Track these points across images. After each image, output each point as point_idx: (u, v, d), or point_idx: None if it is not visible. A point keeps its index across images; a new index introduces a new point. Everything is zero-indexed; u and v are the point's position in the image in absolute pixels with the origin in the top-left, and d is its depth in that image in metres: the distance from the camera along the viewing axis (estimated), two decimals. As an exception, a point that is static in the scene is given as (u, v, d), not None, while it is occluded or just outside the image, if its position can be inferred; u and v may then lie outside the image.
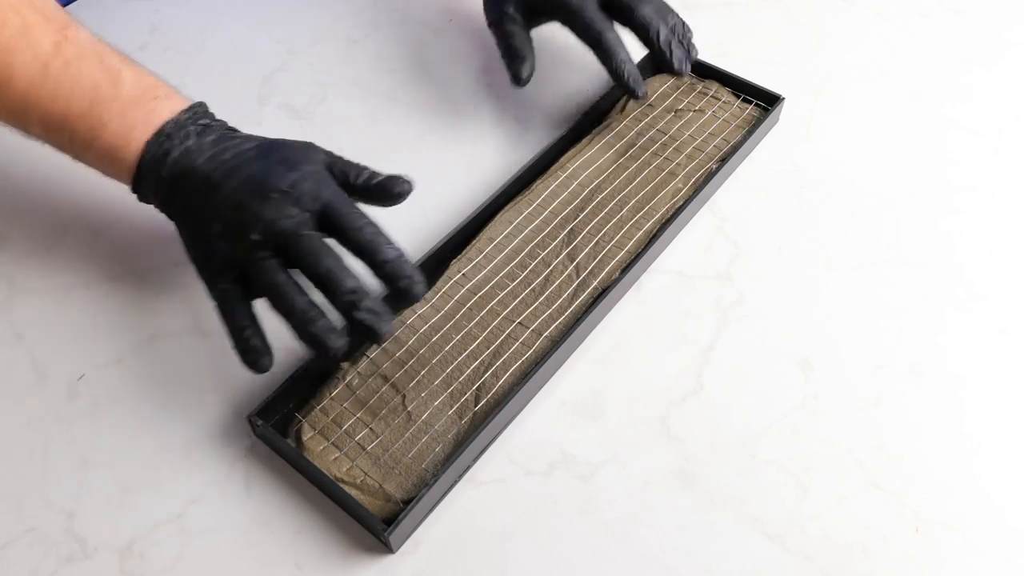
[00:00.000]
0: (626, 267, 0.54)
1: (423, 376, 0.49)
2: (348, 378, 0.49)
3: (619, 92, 0.64)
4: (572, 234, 0.56)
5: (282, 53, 0.70)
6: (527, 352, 0.50)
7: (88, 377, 0.50)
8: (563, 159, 0.60)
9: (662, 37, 0.59)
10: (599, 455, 0.48)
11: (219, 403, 0.49)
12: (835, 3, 0.76)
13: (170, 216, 0.50)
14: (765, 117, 0.62)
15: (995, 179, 0.62)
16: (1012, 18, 0.75)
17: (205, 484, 0.46)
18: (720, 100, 0.64)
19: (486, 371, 0.49)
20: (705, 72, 0.66)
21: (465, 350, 0.50)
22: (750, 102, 0.64)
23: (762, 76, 0.65)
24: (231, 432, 0.48)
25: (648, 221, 0.57)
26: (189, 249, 0.49)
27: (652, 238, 0.55)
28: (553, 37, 0.71)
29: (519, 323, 0.52)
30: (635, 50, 0.64)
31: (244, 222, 0.45)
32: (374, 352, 0.50)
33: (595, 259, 0.55)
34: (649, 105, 0.64)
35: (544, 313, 0.52)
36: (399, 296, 0.45)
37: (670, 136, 0.62)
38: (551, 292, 0.53)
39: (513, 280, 0.54)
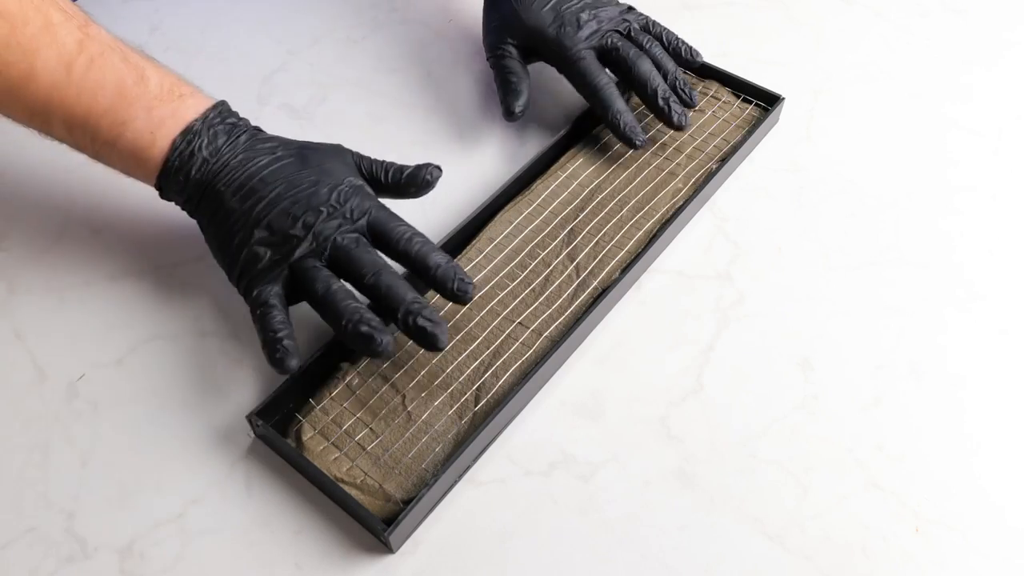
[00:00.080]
0: (626, 267, 0.54)
1: (423, 376, 0.49)
2: (348, 378, 0.49)
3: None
4: (572, 234, 0.56)
5: (282, 53, 0.70)
6: (527, 352, 0.50)
7: (88, 377, 0.50)
8: (563, 159, 0.60)
9: (660, 94, 0.59)
10: (599, 455, 0.48)
11: (219, 403, 0.49)
12: (835, 3, 0.76)
13: (194, 215, 0.50)
14: (765, 117, 0.62)
15: (995, 179, 0.62)
16: (1012, 18, 0.75)
17: (205, 484, 0.46)
18: (720, 100, 0.64)
19: (486, 371, 0.49)
20: (705, 72, 0.66)
21: (465, 350, 0.50)
22: (750, 102, 0.64)
23: (762, 76, 0.65)
24: (231, 432, 0.48)
25: (648, 221, 0.57)
26: (218, 250, 0.49)
27: (652, 238, 0.55)
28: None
29: (519, 323, 0.52)
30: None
31: (296, 233, 0.46)
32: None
33: (595, 259, 0.55)
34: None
35: (544, 313, 0.52)
36: (452, 298, 0.48)
37: (670, 136, 0.62)
38: (551, 292, 0.53)
39: (513, 280, 0.54)
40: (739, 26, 0.73)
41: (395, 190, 0.51)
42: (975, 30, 0.74)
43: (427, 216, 0.58)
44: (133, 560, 0.44)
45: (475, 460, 0.47)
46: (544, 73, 0.65)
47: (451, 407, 0.48)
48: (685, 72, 0.66)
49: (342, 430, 0.47)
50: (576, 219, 0.57)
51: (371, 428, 0.47)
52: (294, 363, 0.45)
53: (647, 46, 0.61)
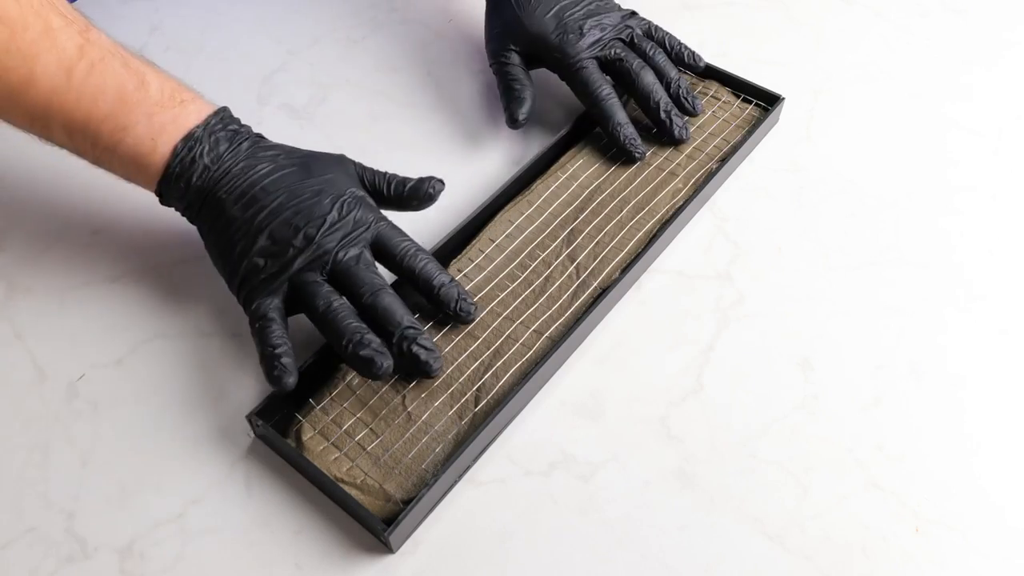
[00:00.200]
0: (626, 267, 0.54)
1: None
2: (348, 378, 0.49)
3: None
4: (572, 234, 0.56)
5: (282, 53, 0.70)
6: (527, 352, 0.50)
7: (88, 377, 0.50)
8: (563, 159, 0.60)
9: (662, 107, 0.59)
10: (599, 455, 0.48)
11: (219, 403, 0.49)
12: (835, 3, 0.76)
13: (194, 222, 0.50)
14: (765, 117, 0.62)
15: (995, 179, 0.62)
16: (1012, 18, 0.75)
17: (205, 484, 0.46)
18: (720, 100, 0.64)
19: (486, 371, 0.49)
20: (705, 72, 0.66)
21: (465, 350, 0.50)
22: (750, 102, 0.64)
23: (762, 76, 0.65)
24: (231, 432, 0.48)
25: (648, 221, 0.57)
26: (218, 258, 0.49)
27: (652, 238, 0.55)
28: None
29: (520, 323, 0.52)
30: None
31: (297, 244, 0.46)
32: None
33: (595, 259, 0.55)
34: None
35: (545, 313, 0.52)
36: (454, 318, 0.49)
37: (670, 136, 0.62)
38: (552, 292, 0.53)
39: (513, 280, 0.54)
40: (739, 26, 0.73)
41: (397, 203, 0.51)
42: (975, 30, 0.74)
43: (427, 216, 0.58)
44: (133, 560, 0.44)
45: (475, 460, 0.47)
46: (546, 73, 0.65)
47: (451, 407, 0.48)
48: (684, 72, 0.66)
49: (342, 430, 0.47)
50: (576, 219, 0.57)
51: (371, 428, 0.47)
52: (291, 381, 0.45)
53: (650, 53, 0.61)
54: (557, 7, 0.61)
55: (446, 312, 0.49)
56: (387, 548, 0.44)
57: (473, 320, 0.49)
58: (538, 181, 0.59)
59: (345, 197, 0.48)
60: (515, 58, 0.62)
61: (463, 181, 0.60)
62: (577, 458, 0.48)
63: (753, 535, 0.45)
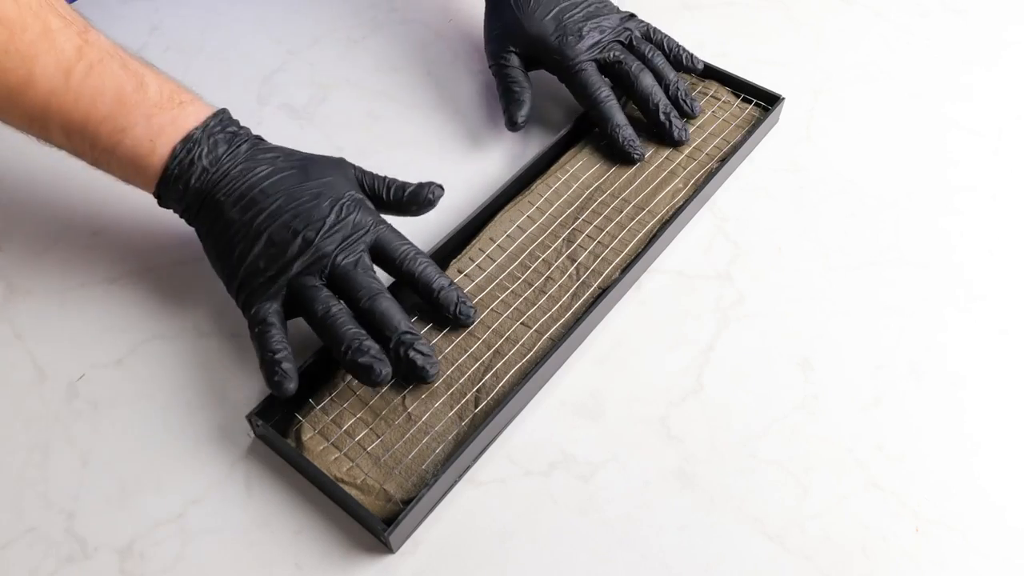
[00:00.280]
0: (626, 267, 0.54)
1: (423, 376, 0.49)
2: (348, 378, 0.49)
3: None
4: (573, 234, 0.56)
5: (282, 53, 0.70)
6: (528, 352, 0.50)
7: (88, 377, 0.50)
8: (563, 159, 0.60)
9: (661, 110, 0.59)
10: (599, 455, 0.48)
11: (219, 403, 0.49)
12: (835, 3, 0.76)
13: (192, 224, 0.50)
14: (765, 117, 0.62)
15: (995, 179, 0.62)
16: (1012, 18, 0.75)
17: (205, 484, 0.46)
18: (720, 100, 0.64)
19: (487, 372, 0.49)
20: (705, 72, 0.66)
21: (466, 351, 0.50)
22: (750, 102, 0.64)
23: (762, 76, 0.65)
24: (231, 432, 0.48)
25: (649, 221, 0.57)
26: (216, 261, 0.49)
27: (652, 238, 0.55)
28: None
29: (520, 323, 0.52)
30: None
31: (296, 248, 0.46)
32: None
33: (596, 259, 0.55)
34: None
35: (545, 313, 0.52)
36: (454, 322, 0.49)
37: (670, 136, 0.62)
38: (552, 292, 0.53)
39: (514, 280, 0.54)
40: (739, 26, 0.73)
41: (396, 207, 0.51)
42: (975, 30, 0.74)
43: (428, 216, 0.58)
44: (133, 560, 0.44)
45: (475, 460, 0.47)
46: (545, 74, 0.65)
47: (452, 408, 0.48)
48: (684, 72, 0.66)
49: (342, 430, 0.47)
50: (577, 219, 0.57)
51: (371, 428, 0.47)
52: (292, 386, 0.45)
53: (648, 56, 0.61)
54: (556, 9, 0.61)
55: (445, 316, 0.49)
56: (387, 548, 0.44)
57: (472, 323, 0.50)
58: (538, 181, 0.59)
59: (344, 200, 0.48)
60: (514, 60, 0.62)
61: (463, 181, 0.60)
62: (577, 458, 0.48)
63: (753, 535, 0.45)
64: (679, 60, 0.63)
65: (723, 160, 0.60)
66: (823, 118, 0.66)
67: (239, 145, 0.49)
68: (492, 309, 0.52)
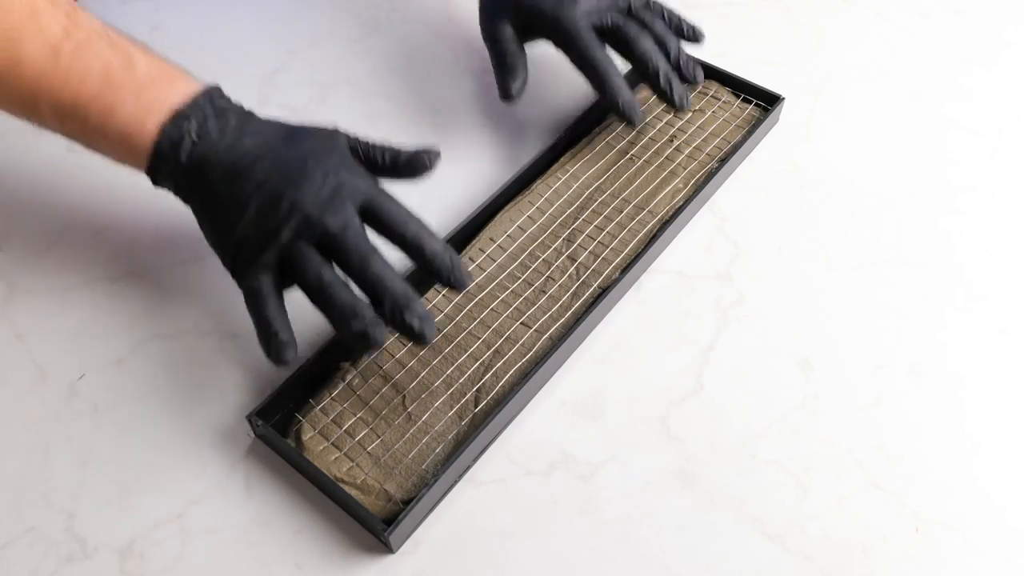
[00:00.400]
0: (626, 267, 0.54)
1: (424, 376, 0.49)
2: (349, 378, 0.49)
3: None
4: (573, 234, 0.56)
5: (282, 53, 0.70)
6: (528, 352, 0.50)
7: (88, 377, 0.50)
8: (563, 159, 0.60)
9: (662, 73, 0.58)
10: (599, 455, 0.48)
11: (219, 403, 0.49)
12: (835, 3, 0.76)
13: (187, 202, 0.49)
14: (765, 117, 0.62)
15: (995, 179, 0.62)
16: (1012, 18, 0.75)
17: (205, 484, 0.46)
18: (720, 100, 0.64)
19: (487, 371, 0.49)
20: (705, 72, 0.66)
21: (466, 350, 0.50)
22: (750, 102, 0.64)
23: (762, 76, 0.65)
24: (231, 432, 0.48)
25: (649, 221, 0.57)
26: (210, 236, 0.48)
27: (652, 238, 0.56)
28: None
29: (521, 323, 0.52)
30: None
31: (283, 213, 0.44)
32: (376, 352, 0.50)
33: (596, 259, 0.55)
34: (649, 105, 0.64)
35: (545, 313, 0.52)
36: (447, 286, 0.46)
37: (670, 136, 0.62)
38: (552, 292, 0.53)
39: (514, 280, 0.54)
40: (739, 26, 0.73)
41: (392, 172, 0.50)
42: (975, 30, 0.74)
43: (427, 216, 0.58)
44: (133, 560, 0.44)
45: (475, 460, 0.47)
46: (545, 73, 0.65)
47: (452, 407, 0.48)
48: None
49: (342, 430, 0.47)
50: (577, 219, 0.57)
51: (372, 428, 0.47)
52: (290, 354, 0.44)
53: (649, 22, 0.59)
54: None
55: (439, 280, 0.46)
56: (387, 548, 0.44)
57: (467, 287, 0.47)
58: (538, 181, 0.59)
59: (333, 164, 0.46)
60: (508, 31, 0.60)
61: (463, 181, 0.60)
62: (577, 458, 0.48)
63: (753, 535, 0.45)
64: (680, 30, 0.61)
65: (723, 160, 0.60)
66: (823, 118, 0.66)
67: (229, 119, 0.47)
68: (492, 309, 0.52)
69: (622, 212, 0.57)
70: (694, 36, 0.62)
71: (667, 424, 0.49)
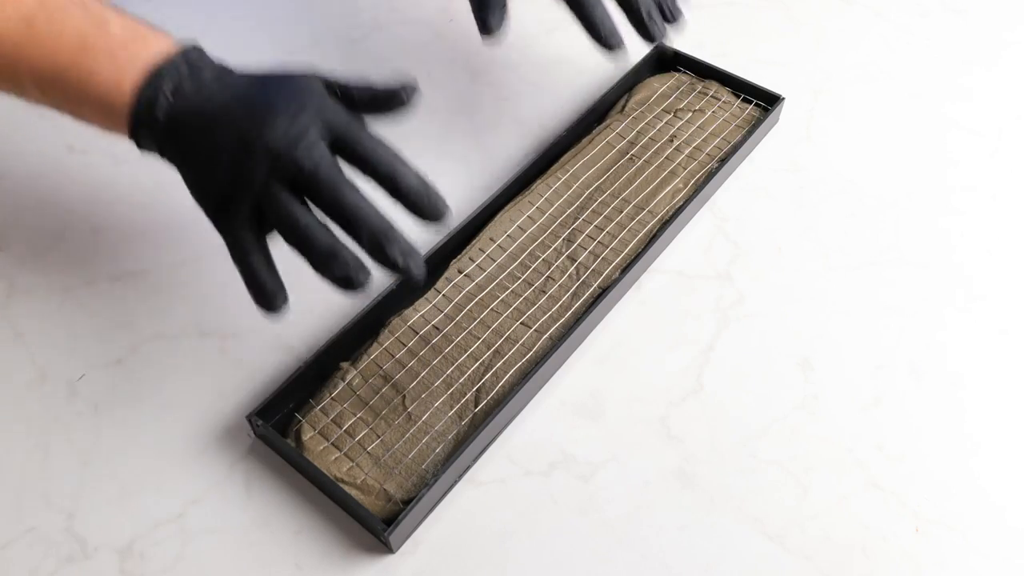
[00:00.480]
0: (626, 267, 0.54)
1: (424, 376, 0.49)
2: (349, 378, 0.49)
3: (619, 92, 0.64)
4: (573, 234, 0.56)
5: (282, 53, 0.70)
6: (528, 352, 0.50)
7: (88, 377, 0.50)
8: (563, 159, 0.60)
9: (643, 5, 0.55)
10: (599, 455, 0.48)
11: (219, 403, 0.49)
12: (835, 3, 0.76)
13: (172, 162, 0.47)
14: (765, 117, 0.62)
15: (995, 179, 0.62)
16: (1012, 18, 0.75)
17: (205, 484, 0.46)
18: (720, 100, 0.64)
19: (487, 371, 0.49)
20: (705, 72, 0.66)
21: (466, 350, 0.50)
22: (750, 102, 0.64)
23: (762, 76, 0.65)
24: (231, 432, 0.48)
25: (649, 221, 0.57)
26: (193, 190, 0.46)
27: (652, 238, 0.56)
28: (552, 38, 0.71)
29: (521, 323, 0.52)
30: (636, 51, 0.63)
31: (252, 153, 0.43)
32: (376, 352, 0.50)
33: (596, 259, 0.55)
34: (649, 105, 0.64)
35: (546, 313, 0.52)
36: (424, 219, 0.44)
37: (670, 136, 0.62)
38: (552, 292, 0.53)
39: (514, 280, 0.54)
40: (739, 26, 0.73)
41: (371, 108, 0.48)
42: (975, 30, 0.74)
43: (427, 216, 0.58)
44: (133, 560, 0.44)
45: (475, 460, 0.47)
46: (544, 73, 0.65)
47: (452, 407, 0.48)
48: (684, 72, 0.66)
49: (342, 430, 0.47)
50: (577, 219, 0.57)
51: (372, 428, 0.47)
52: (279, 302, 0.43)
53: None
54: None
55: (416, 215, 0.44)
56: (387, 548, 0.44)
57: (445, 223, 0.44)
58: (538, 181, 0.59)
59: (305, 102, 0.44)
60: None
61: (463, 181, 0.60)
62: (577, 458, 0.48)
63: (753, 535, 0.45)
64: None
65: (723, 160, 0.60)
66: (823, 118, 0.66)
67: (204, 75, 0.46)
68: (492, 309, 0.52)
69: (622, 212, 0.57)
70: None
71: (667, 424, 0.49)
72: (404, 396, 0.48)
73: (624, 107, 0.64)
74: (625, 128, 0.62)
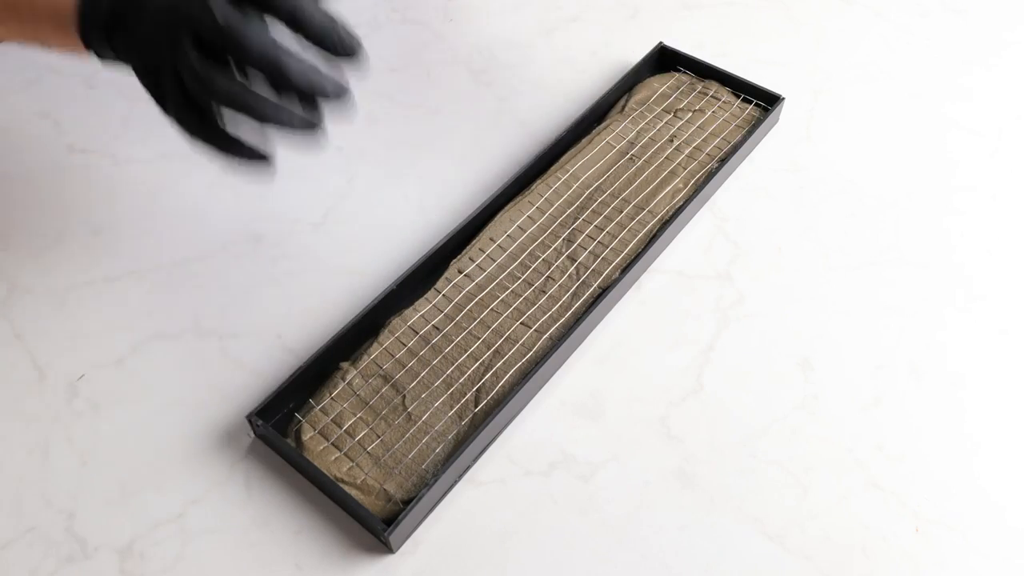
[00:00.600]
0: (626, 267, 0.54)
1: (424, 376, 0.49)
2: (349, 378, 0.49)
3: (619, 92, 0.65)
4: (573, 234, 0.56)
5: (282, 53, 0.70)
6: (528, 352, 0.50)
7: (88, 377, 0.50)
8: (563, 159, 0.60)
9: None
10: (599, 455, 0.48)
11: (219, 403, 0.49)
12: (835, 3, 0.76)
13: (123, 57, 0.46)
14: (765, 117, 0.62)
15: (995, 179, 0.62)
16: (1012, 18, 0.75)
17: (205, 484, 0.46)
18: (720, 100, 0.64)
19: (487, 371, 0.49)
20: (705, 72, 0.66)
21: (466, 350, 0.50)
22: (750, 102, 0.64)
23: (762, 76, 0.65)
24: (231, 432, 0.48)
25: (649, 221, 0.57)
26: (141, 80, 0.45)
27: (652, 238, 0.56)
28: (552, 38, 0.71)
29: (521, 323, 0.52)
30: (636, 51, 0.64)
31: (169, 27, 0.42)
32: (376, 352, 0.50)
33: (596, 259, 0.55)
34: (649, 105, 0.64)
35: (546, 313, 0.52)
36: (335, 54, 0.43)
37: (670, 136, 0.62)
38: (553, 292, 0.53)
39: (514, 280, 0.54)
40: (739, 26, 0.73)
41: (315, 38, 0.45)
42: (975, 30, 0.74)
43: (427, 216, 0.58)
44: (133, 560, 0.44)
45: (475, 460, 0.47)
46: (544, 73, 0.65)
47: (452, 407, 0.48)
48: (684, 72, 0.66)
49: (342, 430, 0.47)
50: (577, 219, 0.57)
51: (372, 428, 0.47)
52: (264, 160, 0.42)
53: None
54: None
55: (327, 50, 0.43)
56: (387, 548, 0.44)
57: (358, 57, 0.44)
58: (538, 181, 0.59)
59: None
60: None
61: (463, 181, 0.60)
62: (577, 458, 0.48)
63: (753, 535, 0.45)
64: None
65: (723, 160, 0.60)
66: (823, 118, 0.66)
67: None
68: (492, 309, 0.52)
69: (622, 212, 0.57)
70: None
71: (667, 424, 0.49)
72: (404, 396, 0.48)
73: (624, 107, 0.64)
74: (625, 128, 0.62)
